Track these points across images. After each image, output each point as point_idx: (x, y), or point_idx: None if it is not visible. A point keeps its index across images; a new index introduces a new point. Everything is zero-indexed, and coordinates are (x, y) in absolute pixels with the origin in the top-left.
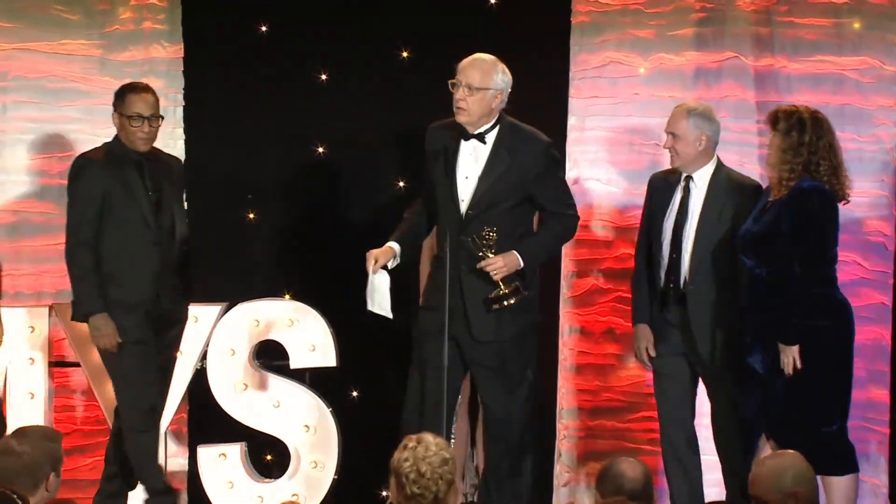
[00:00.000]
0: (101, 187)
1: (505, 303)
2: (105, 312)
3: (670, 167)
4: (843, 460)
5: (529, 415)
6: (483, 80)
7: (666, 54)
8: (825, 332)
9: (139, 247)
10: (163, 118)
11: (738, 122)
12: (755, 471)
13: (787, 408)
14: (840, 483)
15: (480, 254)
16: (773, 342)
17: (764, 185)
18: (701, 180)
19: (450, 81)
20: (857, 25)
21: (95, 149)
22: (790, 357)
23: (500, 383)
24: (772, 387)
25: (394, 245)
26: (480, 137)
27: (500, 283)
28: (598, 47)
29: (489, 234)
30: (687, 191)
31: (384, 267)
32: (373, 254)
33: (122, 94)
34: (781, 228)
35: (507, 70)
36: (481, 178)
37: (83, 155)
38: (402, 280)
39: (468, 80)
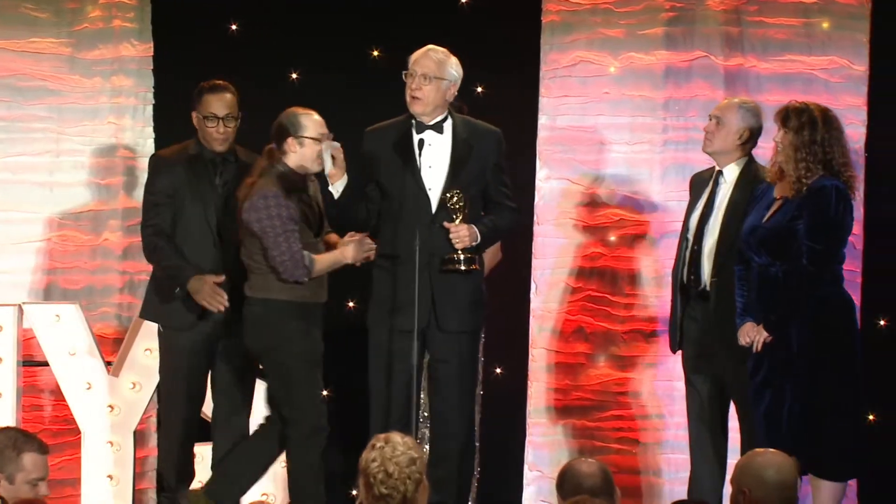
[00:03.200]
0: (172, 184)
1: (458, 266)
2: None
3: (712, 164)
4: (844, 465)
5: (472, 412)
6: (439, 70)
7: (636, 53)
8: (833, 332)
9: (200, 247)
10: (240, 118)
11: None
12: (739, 461)
13: (794, 409)
14: (830, 487)
15: (454, 216)
16: (783, 339)
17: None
18: (730, 175)
19: (404, 72)
20: (825, 25)
21: (170, 147)
22: (759, 338)
23: (457, 379)
24: (779, 388)
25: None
26: (437, 128)
27: (458, 250)
28: (568, 46)
29: (457, 196)
30: (716, 185)
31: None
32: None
33: (200, 94)
34: (800, 226)
35: (459, 63)
36: (452, 166)
37: (156, 153)
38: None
39: (423, 69)
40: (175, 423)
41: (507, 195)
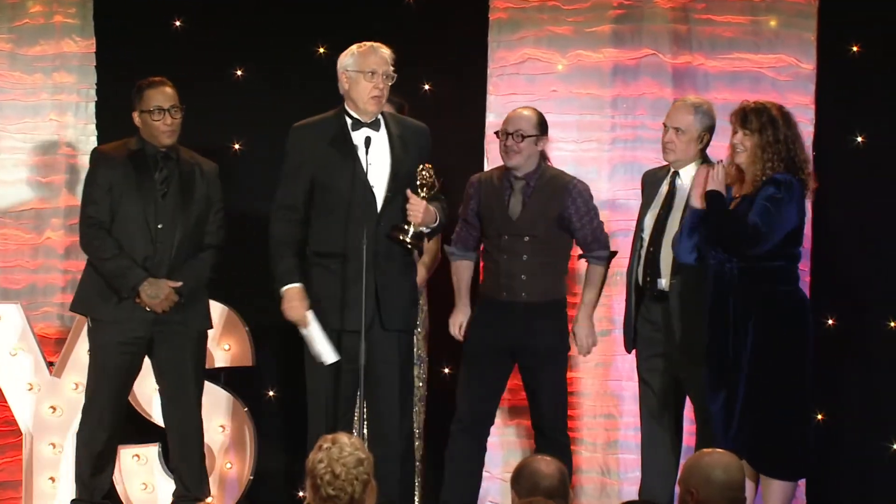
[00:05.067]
0: (111, 178)
1: (402, 237)
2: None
3: (663, 163)
4: (794, 464)
5: (412, 410)
6: (391, 69)
7: (584, 51)
8: (785, 331)
9: (137, 243)
10: (183, 110)
11: (655, 119)
12: (686, 461)
13: (746, 407)
14: (779, 486)
15: (420, 190)
16: (739, 338)
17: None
18: (687, 176)
19: (369, 71)
20: (773, 23)
21: (111, 143)
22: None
23: (399, 378)
24: (731, 387)
25: (301, 287)
26: (374, 125)
27: (410, 224)
28: (516, 44)
29: (429, 172)
30: (672, 185)
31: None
32: (297, 311)
33: (140, 91)
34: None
35: None
36: (393, 163)
37: (97, 147)
38: None
39: (384, 68)
40: (99, 420)
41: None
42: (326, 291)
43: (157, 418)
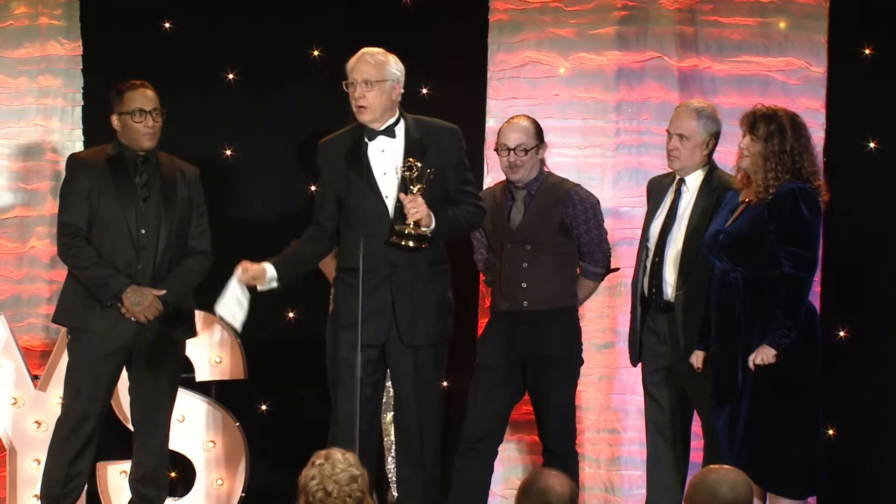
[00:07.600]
0: (88, 184)
1: (405, 241)
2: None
3: (668, 170)
4: (803, 481)
5: (438, 425)
6: (379, 73)
7: (587, 54)
8: (794, 344)
9: (118, 248)
10: (165, 111)
11: (661, 124)
12: (692, 478)
13: (750, 423)
14: None
15: (411, 185)
16: (745, 350)
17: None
18: (693, 183)
19: (344, 83)
20: (782, 25)
21: (89, 149)
22: (764, 358)
23: (416, 392)
24: (738, 402)
25: (268, 267)
26: (388, 132)
27: (411, 223)
28: (516, 46)
29: (415, 167)
30: (678, 193)
31: (252, 287)
32: (244, 264)
33: (120, 94)
34: (769, 233)
35: (398, 59)
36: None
37: (74, 154)
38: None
39: (363, 75)
40: (76, 432)
41: (470, 193)
42: (349, 307)
43: None
